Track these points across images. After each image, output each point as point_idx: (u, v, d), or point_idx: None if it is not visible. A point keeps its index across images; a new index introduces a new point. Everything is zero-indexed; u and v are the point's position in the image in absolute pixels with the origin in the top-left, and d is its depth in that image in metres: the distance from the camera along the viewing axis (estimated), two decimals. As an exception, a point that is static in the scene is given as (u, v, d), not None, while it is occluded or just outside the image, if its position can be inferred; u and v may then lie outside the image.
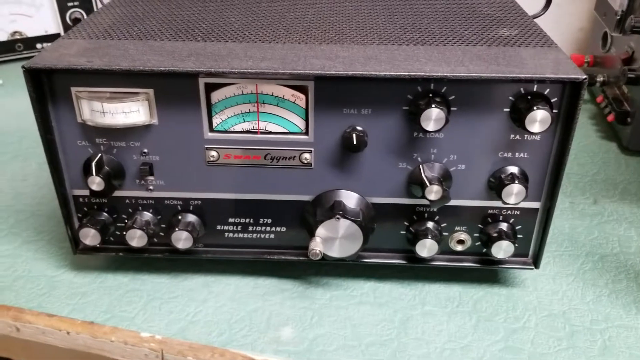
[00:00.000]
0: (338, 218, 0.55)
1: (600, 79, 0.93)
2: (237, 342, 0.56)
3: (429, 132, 0.51)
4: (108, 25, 0.60)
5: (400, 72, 0.49)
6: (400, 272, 0.63)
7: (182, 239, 0.57)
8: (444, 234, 0.59)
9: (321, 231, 0.55)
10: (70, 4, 1.09)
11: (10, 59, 1.11)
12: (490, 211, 0.58)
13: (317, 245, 0.55)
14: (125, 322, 0.58)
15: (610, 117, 0.87)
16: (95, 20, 0.62)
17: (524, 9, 0.66)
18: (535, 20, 0.88)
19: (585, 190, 0.78)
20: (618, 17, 0.86)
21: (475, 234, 0.59)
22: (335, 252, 0.56)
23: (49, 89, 0.53)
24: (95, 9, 1.12)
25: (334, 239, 0.56)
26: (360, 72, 0.49)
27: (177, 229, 0.57)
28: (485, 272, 0.63)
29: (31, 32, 1.09)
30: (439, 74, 0.49)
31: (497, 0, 0.69)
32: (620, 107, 0.86)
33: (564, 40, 1.14)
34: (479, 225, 0.58)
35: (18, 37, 1.08)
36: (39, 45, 1.11)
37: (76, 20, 1.10)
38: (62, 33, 1.11)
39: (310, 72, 0.50)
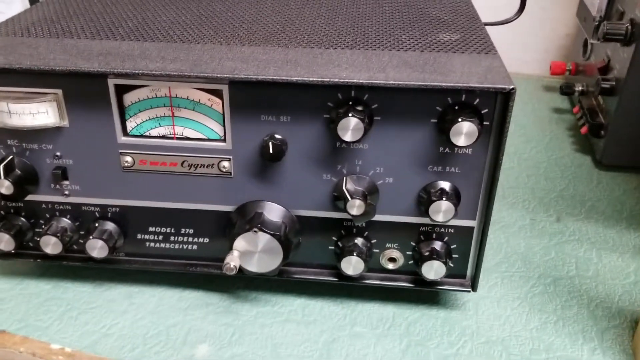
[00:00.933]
0: (256, 231, 0.51)
1: (579, 88, 0.89)
2: (148, 358, 0.53)
3: (349, 142, 0.48)
4: (32, 22, 0.57)
5: (313, 77, 0.46)
6: (334, 289, 0.60)
7: (97, 248, 0.55)
8: (375, 250, 0.55)
9: (239, 244, 0.52)
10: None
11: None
12: (422, 228, 0.54)
13: (233, 260, 0.52)
14: (39, 332, 0.55)
15: (584, 129, 0.83)
16: (23, 17, 0.59)
17: (478, 14, 0.63)
18: (512, 23, 0.84)
19: (550, 207, 0.74)
20: (596, 23, 0.82)
21: (408, 252, 0.55)
22: (253, 266, 0.53)
23: (-43, 88, 0.51)
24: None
25: (252, 252, 0.52)
26: (272, 77, 0.46)
27: (91, 237, 0.54)
28: (424, 292, 0.60)
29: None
30: (355, 80, 0.46)
31: (451, 3, 0.65)
32: (594, 119, 0.81)
33: (549, 46, 1.10)
34: (412, 243, 0.55)
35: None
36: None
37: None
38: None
39: (219, 75, 0.47)
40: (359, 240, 0.54)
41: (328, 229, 0.55)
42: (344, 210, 0.51)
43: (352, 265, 0.53)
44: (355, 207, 0.50)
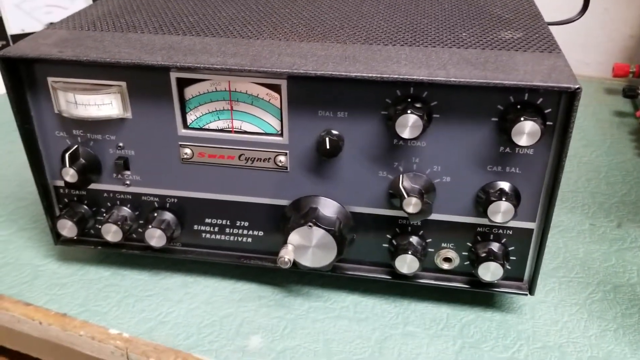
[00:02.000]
0: (310, 226, 0.52)
1: (644, 91, 0.86)
2: (202, 347, 0.54)
3: (407, 139, 0.47)
4: (97, 17, 0.59)
5: (372, 73, 0.46)
6: (386, 287, 0.59)
7: (155, 237, 0.56)
8: (430, 249, 0.55)
9: (294, 238, 0.53)
10: (106, -3, 1.11)
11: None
12: (479, 229, 0.53)
13: (288, 253, 0.52)
14: (98, 317, 0.57)
15: (649, 133, 0.79)
16: (89, 11, 0.61)
17: (541, 13, 0.61)
18: (574, 23, 0.82)
19: (610, 212, 0.72)
20: (665, 24, 0.78)
21: (464, 253, 0.54)
22: (307, 261, 0.53)
23: (27, 79, 0.53)
24: None
25: (307, 247, 0.53)
26: (330, 72, 0.46)
27: (150, 226, 0.56)
28: (480, 294, 0.59)
29: (68, 23, 1.11)
30: (414, 77, 0.45)
31: (513, 1, 0.64)
32: (660, 123, 0.78)
33: (612, 47, 1.06)
34: (468, 243, 0.54)
35: (56, 28, 1.11)
36: (75, 37, 1.13)
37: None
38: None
39: (278, 70, 0.47)
40: (414, 239, 0.54)
41: (383, 226, 0.54)
42: (400, 208, 0.50)
43: (406, 264, 0.53)
44: (412, 205, 0.49)
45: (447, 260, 0.55)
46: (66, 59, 0.49)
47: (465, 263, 0.55)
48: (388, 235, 0.55)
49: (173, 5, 0.63)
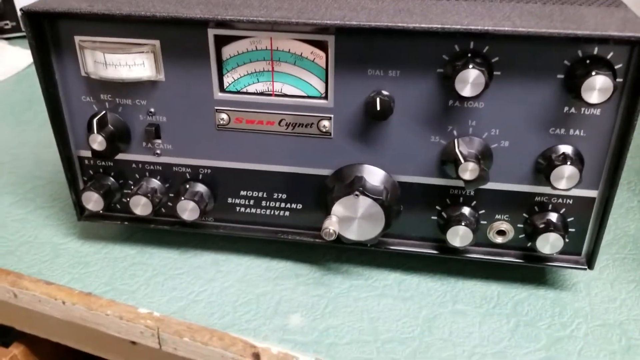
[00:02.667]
0: (357, 195, 0.48)
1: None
2: (239, 326, 0.50)
3: (466, 99, 0.44)
4: (124, -24, 0.56)
5: (433, 25, 0.42)
6: (430, 264, 0.56)
7: (188, 210, 0.52)
8: (482, 222, 0.51)
9: (338, 209, 0.49)
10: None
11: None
12: (537, 198, 0.49)
13: (332, 225, 0.49)
14: (125, 295, 0.53)
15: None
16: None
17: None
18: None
19: (658, 189, 0.68)
20: None
21: (519, 225, 0.51)
22: (352, 234, 0.50)
23: (52, 37, 0.49)
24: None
25: (352, 219, 0.49)
26: (386, 24, 0.43)
27: (183, 198, 0.52)
28: (531, 270, 0.55)
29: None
30: (479, 27, 0.42)
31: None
32: None
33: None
34: (524, 215, 0.50)
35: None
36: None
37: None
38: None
39: (329, 22, 0.43)
40: (466, 210, 0.50)
41: (432, 197, 0.51)
42: (455, 175, 0.47)
43: (459, 236, 0.49)
44: (469, 170, 0.46)
45: (501, 233, 0.51)
46: (97, 14, 0.45)
47: (520, 236, 0.51)
48: (437, 207, 0.51)
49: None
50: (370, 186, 0.49)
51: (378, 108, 0.46)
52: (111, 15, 0.45)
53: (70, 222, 0.62)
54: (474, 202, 0.50)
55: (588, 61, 0.43)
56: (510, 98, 0.45)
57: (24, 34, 1.05)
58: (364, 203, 0.48)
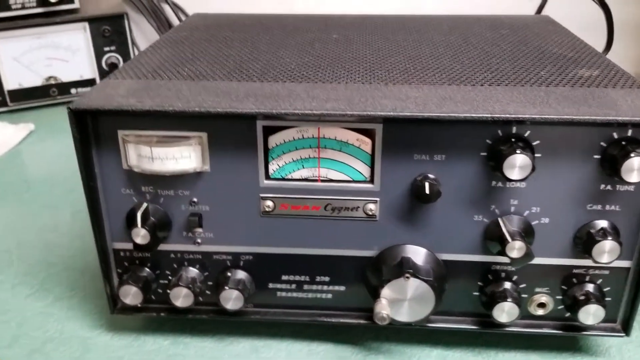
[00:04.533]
0: (407, 277, 0.49)
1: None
2: (291, 416, 0.49)
3: (512, 180, 0.46)
4: (156, 65, 0.56)
5: (482, 113, 0.44)
6: (470, 338, 0.57)
7: (232, 299, 0.52)
8: (523, 296, 0.52)
9: (387, 292, 0.49)
10: (106, 49, 1.07)
11: (44, 104, 1.08)
12: (575, 271, 0.51)
13: (384, 309, 0.49)
14: (166, 391, 0.52)
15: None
16: (142, 61, 0.58)
17: (595, 49, 0.62)
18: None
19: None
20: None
21: (557, 296, 0.52)
22: (403, 315, 0.50)
23: (94, 132, 0.49)
24: (132, 55, 1.10)
25: (401, 300, 0.50)
26: (437, 114, 0.45)
27: (226, 288, 0.52)
28: (563, 338, 0.57)
29: (66, 77, 1.07)
30: (526, 115, 0.44)
31: (565, 41, 0.64)
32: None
33: None
34: (562, 287, 0.52)
35: (53, 82, 1.06)
36: (73, 91, 1.08)
37: (112, 66, 1.08)
38: (97, 78, 1.09)
39: (382, 113, 0.45)
40: (508, 285, 0.51)
41: (474, 273, 0.52)
42: (501, 253, 0.48)
43: (505, 312, 0.50)
44: (516, 249, 0.47)
45: (542, 305, 0.53)
46: (150, 110, 0.46)
47: (559, 307, 0.53)
48: (479, 283, 0.52)
49: (228, 53, 0.60)
50: (418, 267, 0.50)
51: (427, 192, 0.47)
52: (164, 111, 0.46)
53: (95, 313, 0.60)
54: (515, 276, 0.52)
55: (624, 142, 0.46)
56: (550, 177, 0.48)
57: (9, 108, 1.04)
58: (414, 284, 0.49)
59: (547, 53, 0.60)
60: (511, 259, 0.48)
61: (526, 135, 0.46)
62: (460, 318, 0.54)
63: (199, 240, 0.52)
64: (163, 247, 0.53)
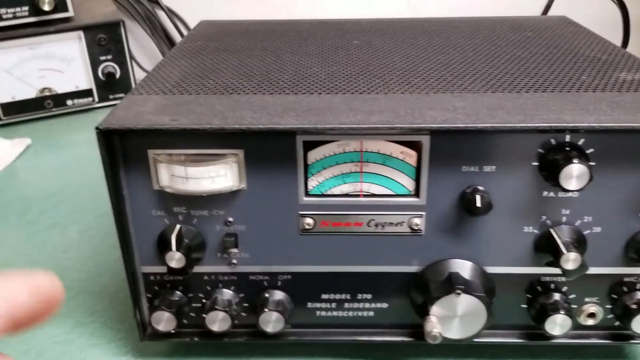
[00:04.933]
0: (458, 293, 0.47)
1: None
2: None
3: (569, 191, 0.44)
4: (179, 79, 0.53)
5: (538, 123, 0.43)
6: (513, 350, 0.55)
7: (271, 321, 0.49)
8: (573, 306, 0.51)
9: (436, 309, 0.47)
10: (102, 58, 1.03)
11: (39, 116, 1.04)
12: (626, 279, 0.50)
13: (436, 327, 0.47)
14: (204, 421, 0.49)
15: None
16: (163, 74, 0.55)
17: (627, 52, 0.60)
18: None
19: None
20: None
21: (606, 306, 0.51)
22: (453, 332, 0.48)
23: (122, 153, 0.46)
24: (129, 64, 1.06)
25: (451, 317, 0.48)
26: (492, 125, 0.43)
27: (266, 310, 0.49)
28: (607, 347, 0.55)
29: (61, 88, 1.03)
30: (585, 124, 0.42)
31: (592, 42, 0.63)
32: None
33: None
34: (612, 296, 0.50)
35: (47, 93, 1.02)
36: (69, 102, 1.04)
37: (109, 75, 1.04)
38: (94, 89, 1.05)
39: (433, 125, 0.43)
40: (557, 296, 0.50)
41: (522, 285, 0.50)
42: (554, 264, 0.46)
43: (558, 325, 0.49)
44: (571, 260, 0.46)
45: (591, 315, 0.51)
46: (187, 129, 0.43)
47: (609, 316, 0.51)
48: (528, 295, 0.51)
49: (252, 63, 0.58)
50: (469, 282, 0.48)
51: (478, 204, 0.45)
52: (202, 130, 0.43)
53: (119, 339, 0.57)
54: (565, 287, 0.50)
55: (679, 148, 0.44)
56: (603, 186, 0.46)
57: (3, 122, 1.00)
58: (464, 301, 0.47)
59: (580, 56, 0.58)
60: (565, 270, 0.46)
61: (580, 143, 0.45)
62: (506, 331, 0.52)
63: (234, 261, 0.50)
64: (196, 269, 0.50)
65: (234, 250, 0.49)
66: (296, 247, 0.49)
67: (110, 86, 1.06)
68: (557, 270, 0.49)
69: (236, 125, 0.43)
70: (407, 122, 0.43)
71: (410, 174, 0.47)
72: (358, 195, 0.47)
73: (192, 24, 1.20)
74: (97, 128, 0.43)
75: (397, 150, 0.46)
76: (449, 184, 0.46)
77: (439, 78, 0.52)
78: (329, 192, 0.48)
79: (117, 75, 1.04)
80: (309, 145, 0.46)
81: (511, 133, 0.44)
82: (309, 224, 0.48)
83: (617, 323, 0.51)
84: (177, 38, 1.19)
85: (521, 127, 0.42)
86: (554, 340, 0.52)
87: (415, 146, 0.46)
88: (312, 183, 0.47)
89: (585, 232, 0.48)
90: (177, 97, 0.49)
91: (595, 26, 0.70)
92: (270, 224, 0.48)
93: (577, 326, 0.52)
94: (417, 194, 0.47)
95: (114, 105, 1.04)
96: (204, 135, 0.44)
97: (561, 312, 0.48)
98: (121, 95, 1.08)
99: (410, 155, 0.46)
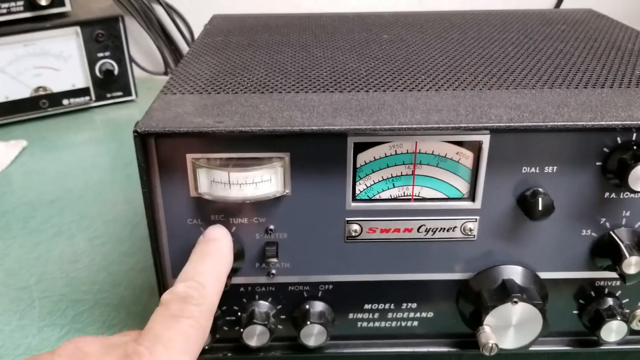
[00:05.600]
0: (515, 302, 0.44)
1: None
2: None
3: (635, 192, 0.42)
4: (210, 77, 0.50)
5: (610, 121, 0.40)
6: (559, 356, 0.53)
7: (314, 334, 0.46)
8: (626, 311, 0.49)
9: (491, 319, 0.45)
10: (100, 55, 0.99)
11: (34, 117, 0.99)
12: (681, 282, 0.48)
13: (491, 338, 0.44)
14: None
15: None
16: (191, 72, 0.51)
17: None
18: None
19: None
20: None
21: (660, 310, 0.49)
22: (508, 342, 0.46)
23: (157, 157, 0.42)
24: (127, 61, 1.01)
25: (506, 327, 0.45)
26: (563, 123, 0.40)
27: (308, 322, 0.46)
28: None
29: (57, 87, 0.98)
30: (659, 122, 0.40)
31: (630, 35, 0.61)
32: None
33: None
34: (667, 300, 0.49)
35: (42, 92, 0.97)
36: (65, 102, 1.00)
37: (107, 72, 0.99)
38: (91, 87, 1.00)
39: (499, 124, 0.40)
40: (611, 301, 0.48)
41: (575, 291, 0.48)
42: (611, 268, 0.44)
43: (614, 331, 0.47)
44: (633, 264, 0.43)
45: (646, 320, 0.49)
46: (234, 131, 0.39)
47: (662, 322, 0.49)
48: (581, 301, 0.48)
49: (283, 59, 0.54)
50: (526, 290, 0.45)
51: (540, 208, 0.43)
52: (250, 132, 0.40)
53: (144, 355, 0.53)
54: (619, 291, 0.48)
55: None
56: (665, 186, 0.44)
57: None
58: (520, 309, 0.44)
59: (623, 50, 0.56)
60: (627, 275, 0.44)
61: (645, 141, 0.42)
62: (557, 339, 0.50)
63: (273, 272, 0.47)
64: (232, 280, 0.47)
65: (274, 259, 0.46)
66: (340, 256, 0.46)
67: (108, 84, 1.01)
68: (611, 275, 0.47)
69: (288, 127, 0.40)
70: (471, 122, 0.40)
71: (464, 176, 0.44)
72: (409, 200, 0.45)
73: (191, 19, 1.16)
74: (135, 131, 0.39)
75: (452, 151, 0.43)
76: (507, 186, 0.44)
77: (488, 74, 0.50)
78: (376, 197, 0.45)
79: (115, 73, 1.00)
80: (359, 147, 0.43)
81: (580, 132, 0.41)
82: (355, 231, 0.45)
83: (671, 328, 0.49)
84: (175, 34, 1.15)
85: (593, 126, 0.40)
86: (605, 347, 0.50)
87: (472, 147, 0.43)
88: (360, 187, 0.44)
89: (645, 235, 0.46)
90: (214, 96, 0.45)
91: (619, 17, 0.68)
92: (313, 231, 0.45)
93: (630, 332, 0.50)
94: (471, 197, 0.44)
95: (112, 104, 1.02)
96: (249, 138, 0.41)
97: (617, 318, 0.46)
98: (119, 93, 1.03)
99: (466, 157, 0.43)
